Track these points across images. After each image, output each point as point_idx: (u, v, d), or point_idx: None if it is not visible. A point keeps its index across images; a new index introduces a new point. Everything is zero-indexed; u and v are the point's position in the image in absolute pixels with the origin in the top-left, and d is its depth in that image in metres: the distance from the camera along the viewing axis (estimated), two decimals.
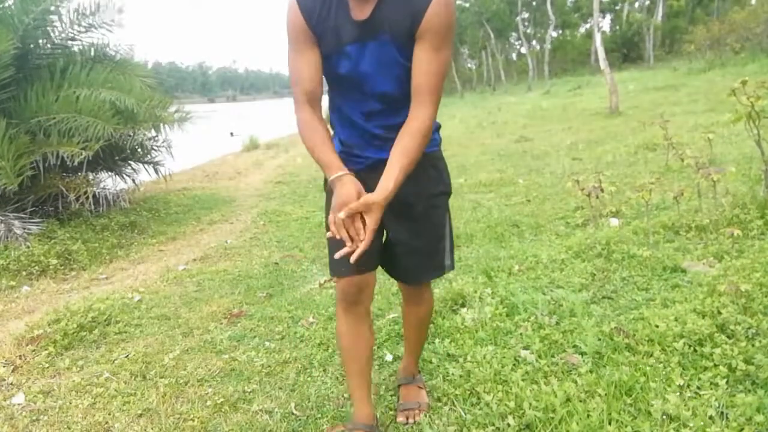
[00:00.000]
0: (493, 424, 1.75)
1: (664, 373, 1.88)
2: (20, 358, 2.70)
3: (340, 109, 1.55)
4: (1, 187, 4.95)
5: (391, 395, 2.05)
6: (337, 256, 1.27)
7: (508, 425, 1.73)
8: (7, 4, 5.81)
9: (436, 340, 2.38)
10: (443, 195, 1.68)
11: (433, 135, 1.48)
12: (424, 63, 1.34)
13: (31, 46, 6.07)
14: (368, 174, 1.46)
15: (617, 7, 38.75)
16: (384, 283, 3.11)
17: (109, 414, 2.13)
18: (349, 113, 1.52)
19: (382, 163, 1.39)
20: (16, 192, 5.15)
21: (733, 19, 18.70)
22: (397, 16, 1.33)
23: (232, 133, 19.72)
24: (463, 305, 2.70)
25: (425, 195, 1.61)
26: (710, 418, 1.61)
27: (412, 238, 1.64)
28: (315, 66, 1.43)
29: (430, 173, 1.60)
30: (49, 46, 6.42)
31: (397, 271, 1.74)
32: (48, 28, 6.22)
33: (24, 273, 4.46)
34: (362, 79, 1.43)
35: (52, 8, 5.99)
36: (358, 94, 1.47)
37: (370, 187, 1.34)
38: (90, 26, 6.45)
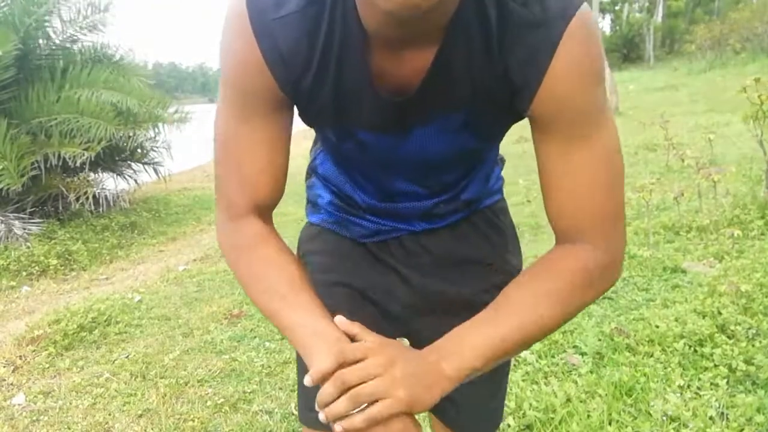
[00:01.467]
0: None
1: (664, 373, 1.88)
2: (20, 359, 2.70)
3: (334, 167, 0.86)
4: (5, 187, 4.95)
5: None
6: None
7: (509, 425, 1.73)
8: (7, 6, 5.81)
9: None
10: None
11: (494, 170, 0.90)
12: (567, 172, 0.65)
13: (32, 46, 6.08)
14: (382, 247, 0.88)
15: (617, 7, 38.76)
16: None
17: (109, 414, 2.13)
18: (361, 180, 0.83)
19: (414, 237, 0.86)
20: (16, 192, 5.15)
21: (734, 18, 18.70)
22: (481, 85, 0.63)
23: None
24: None
25: (482, 278, 0.88)
26: (710, 418, 1.61)
27: None
28: (277, 153, 0.72)
29: (491, 239, 0.90)
30: (50, 46, 6.43)
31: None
32: (49, 29, 6.23)
33: (24, 273, 4.46)
34: (391, 166, 0.77)
35: (53, 9, 6.00)
36: (380, 172, 0.79)
37: (387, 264, 0.86)
38: (91, 26, 6.46)
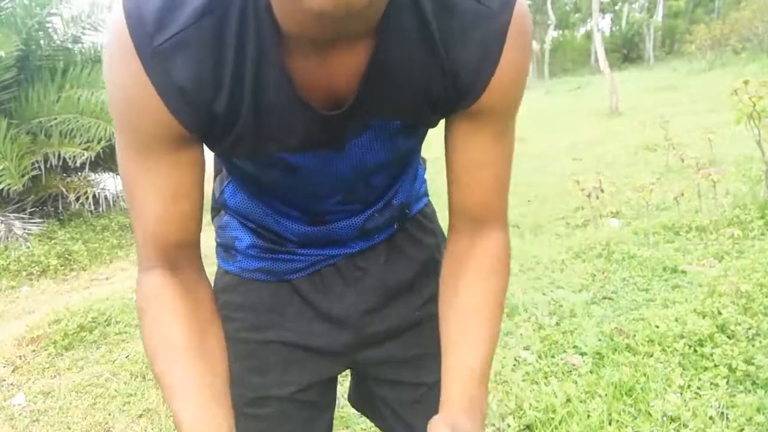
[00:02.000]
0: (494, 425, 1.75)
1: (664, 373, 1.88)
2: (20, 359, 2.70)
3: (252, 199, 0.76)
4: (6, 187, 4.95)
5: None
6: None
7: (508, 425, 1.73)
8: (10, 7, 5.82)
9: None
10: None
11: (419, 168, 0.86)
12: (487, 162, 0.66)
13: (33, 47, 6.09)
14: (313, 279, 0.80)
15: (617, 7, 38.78)
16: None
17: (109, 414, 2.13)
18: (273, 214, 0.75)
19: (350, 260, 0.79)
20: (17, 192, 5.16)
21: (734, 19, 18.70)
22: (416, 84, 0.59)
23: None
24: None
25: (421, 291, 0.85)
26: (710, 418, 1.61)
27: (406, 371, 0.86)
28: (182, 199, 0.61)
29: (425, 242, 0.86)
30: (50, 46, 6.44)
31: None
32: (50, 30, 6.23)
33: (24, 273, 4.46)
34: (323, 185, 0.69)
35: (55, 10, 6.01)
36: (309, 194, 0.71)
37: (317, 306, 0.79)
38: (93, 26, 6.47)
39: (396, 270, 0.82)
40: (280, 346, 0.79)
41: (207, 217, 0.86)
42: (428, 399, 0.83)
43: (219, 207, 0.82)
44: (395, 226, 0.82)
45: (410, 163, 0.78)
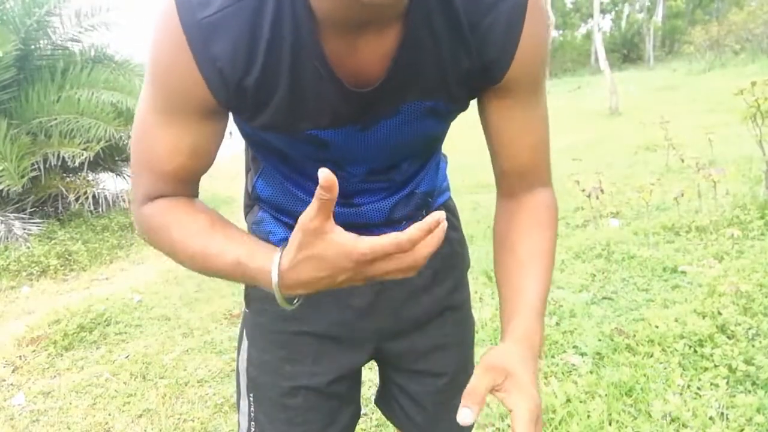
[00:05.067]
0: (493, 425, 1.75)
1: (664, 373, 1.88)
2: (20, 359, 2.70)
3: (283, 183, 0.78)
4: (5, 188, 4.95)
5: None
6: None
7: (508, 426, 1.73)
8: (9, 6, 5.82)
9: None
10: (463, 279, 0.95)
11: (441, 161, 0.89)
12: (527, 130, 0.70)
13: (32, 47, 6.09)
14: None
15: (617, 8, 38.78)
16: None
17: (109, 414, 2.13)
18: (305, 196, 0.77)
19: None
20: (17, 192, 5.16)
21: (732, 20, 18.70)
22: (452, 65, 0.63)
23: (231, 133, 19.67)
24: None
25: (443, 282, 0.88)
26: (710, 418, 1.61)
27: (429, 361, 0.89)
28: (197, 159, 0.66)
29: (448, 234, 0.75)
30: (49, 46, 6.44)
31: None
32: (49, 30, 6.23)
33: (24, 273, 4.46)
34: (353, 162, 0.72)
35: (54, 9, 6.01)
36: (339, 172, 0.70)
37: (345, 299, 0.81)
38: (92, 27, 6.48)
39: None
40: (311, 337, 0.82)
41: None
42: (450, 388, 0.89)
43: (252, 203, 0.86)
44: (421, 216, 0.84)
45: (434, 151, 0.82)
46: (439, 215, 0.51)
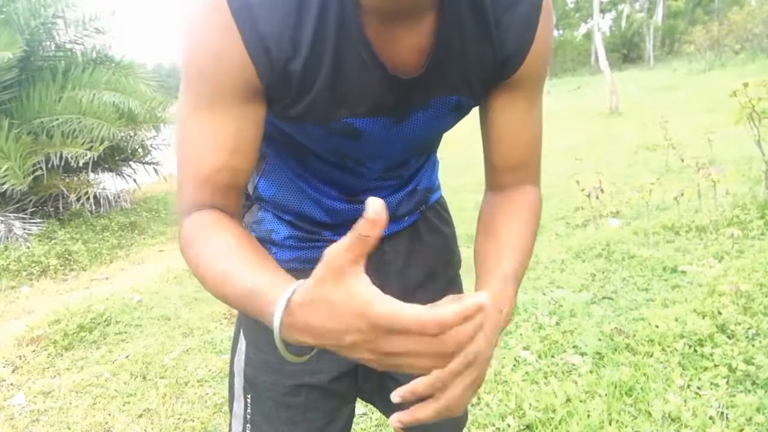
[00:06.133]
0: (494, 425, 1.75)
1: (664, 373, 1.88)
2: (20, 359, 2.70)
3: (293, 180, 0.79)
4: (10, 187, 4.95)
5: None
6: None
7: (509, 425, 1.73)
8: (14, 7, 5.82)
9: None
10: (456, 277, 0.98)
11: (436, 164, 0.92)
12: (525, 127, 0.72)
13: (35, 48, 6.10)
14: None
15: (617, 8, 38.77)
16: None
17: (109, 414, 2.13)
18: (314, 193, 0.79)
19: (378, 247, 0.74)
20: (19, 192, 5.16)
21: (732, 19, 18.70)
22: (476, 61, 0.65)
23: None
24: None
25: (438, 278, 0.92)
26: (710, 418, 1.61)
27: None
28: (240, 155, 0.64)
29: (443, 231, 0.94)
30: (52, 47, 6.45)
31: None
32: (53, 31, 6.24)
33: (24, 273, 4.46)
34: (361, 157, 0.74)
35: (60, 12, 6.01)
36: (356, 167, 0.76)
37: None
38: (95, 29, 6.49)
39: (417, 257, 0.87)
40: None
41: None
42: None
43: (250, 203, 0.86)
44: (420, 211, 0.88)
45: (436, 148, 0.85)
46: (482, 300, 0.43)
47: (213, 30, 0.57)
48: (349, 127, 0.66)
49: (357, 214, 0.73)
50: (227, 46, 0.57)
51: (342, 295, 0.42)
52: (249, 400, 0.85)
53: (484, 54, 0.64)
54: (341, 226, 0.81)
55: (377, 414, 1.89)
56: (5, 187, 4.92)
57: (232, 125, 0.62)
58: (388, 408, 0.96)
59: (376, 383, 0.97)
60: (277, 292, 0.48)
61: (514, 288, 0.65)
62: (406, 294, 0.84)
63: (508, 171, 0.75)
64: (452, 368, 0.47)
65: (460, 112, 0.71)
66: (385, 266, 0.85)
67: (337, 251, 0.42)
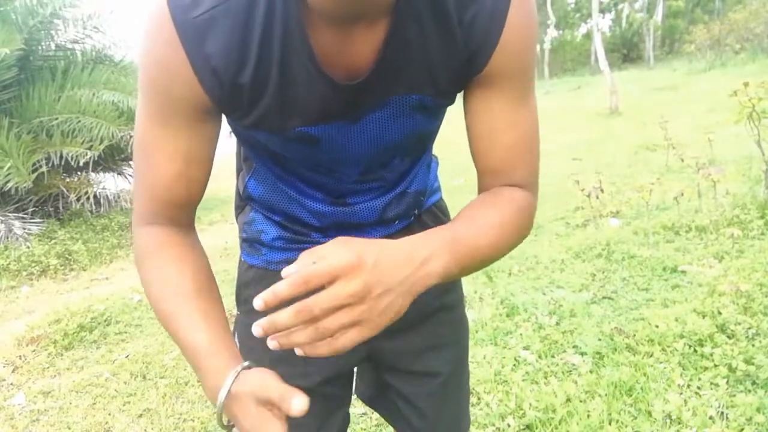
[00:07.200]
0: (493, 425, 1.75)
1: (664, 373, 1.88)
2: (20, 359, 2.70)
3: (276, 183, 0.78)
4: (14, 185, 4.94)
5: None
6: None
7: (509, 425, 1.73)
8: (12, 6, 5.82)
9: None
10: (458, 284, 0.95)
11: (432, 161, 0.89)
12: (506, 126, 0.68)
13: (34, 47, 6.10)
14: None
15: (617, 7, 38.77)
16: None
17: (109, 414, 2.13)
18: (297, 195, 0.77)
19: None
20: (20, 191, 5.16)
21: (733, 19, 18.69)
22: (440, 59, 0.63)
23: (231, 132, 19.68)
24: None
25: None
26: (710, 418, 1.61)
27: (422, 361, 0.89)
28: (195, 166, 0.66)
29: None
30: (52, 47, 6.45)
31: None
32: (52, 31, 6.24)
33: (24, 273, 4.46)
34: (343, 161, 0.72)
35: (59, 11, 6.01)
36: (330, 171, 0.73)
37: None
38: (94, 28, 6.49)
39: None
40: None
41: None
42: (445, 389, 0.89)
43: (243, 204, 0.85)
44: (413, 215, 0.85)
45: (425, 149, 0.81)
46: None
47: (162, 50, 0.57)
48: (304, 135, 0.65)
49: (343, 217, 0.78)
50: (174, 64, 0.57)
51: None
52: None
53: (447, 52, 0.62)
54: (329, 228, 0.79)
55: (377, 414, 1.88)
56: (9, 185, 4.92)
57: (185, 137, 0.62)
58: (389, 412, 0.96)
59: (374, 387, 0.97)
60: (221, 367, 0.57)
61: (452, 247, 0.60)
62: None
63: (491, 174, 0.71)
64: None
65: (428, 112, 0.68)
66: None
67: (268, 389, 0.55)
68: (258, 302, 0.50)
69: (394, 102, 0.65)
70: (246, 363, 0.58)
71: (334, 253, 0.51)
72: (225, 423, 0.58)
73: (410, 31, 0.60)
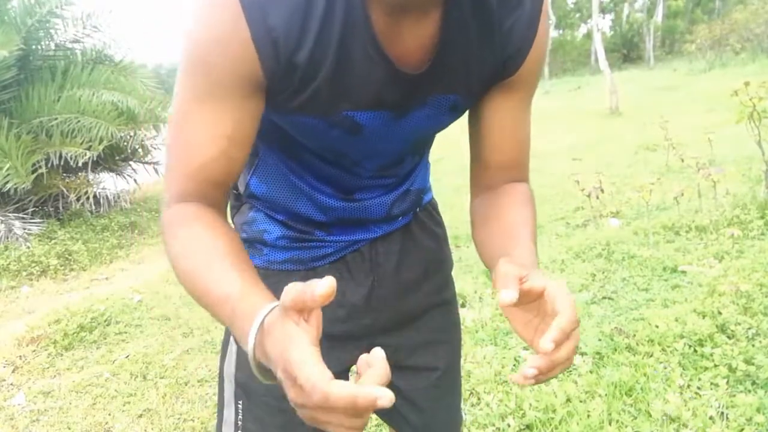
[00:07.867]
0: (494, 425, 1.75)
1: (664, 373, 1.88)
2: (20, 359, 2.70)
3: (287, 176, 0.77)
4: (13, 186, 4.94)
5: None
6: None
7: (509, 425, 1.73)
8: (10, 6, 5.82)
9: None
10: (449, 278, 0.97)
11: (427, 166, 0.91)
12: (519, 126, 0.73)
13: (33, 47, 6.09)
14: (339, 267, 0.82)
15: (617, 8, 38.77)
16: None
17: (109, 414, 2.13)
18: (308, 189, 0.77)
19: (372, 246, 0.83)
20: (21, 191, 5.16)
21: (734, 19, 18.69)
22: (477, 62, 0.65)
23: None
24: (463, 305, 2.70)
25: (431, 280, 0.92)
26: (710, 418, 1.61)
27: (421, 356, 0.91)
28: (236, 146, 0.64)
29: (435, 231, 0.93)
30: (51, 47, 6.45)
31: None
32: (51, 30, 6.24)
33: (24, 273, 4.46)
34: (357, 155, 0.73)
35: (57, 10, 6.01)
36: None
37: (341, 294, 0.72)
38: (93, 27, 6.49)
39: (410, 257, 0.87)
40: None
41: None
42: (442, 384, 0.90)
43: (240, 204, 0.85)
44: (414, 212, 0.88)
45: (429, 149, 0.85)
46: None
47: (221, 21, 0.56)
48: (349, 121, 0.65)
49: (351, 212, 0.79)
50: (233, 38, 0.56)
51: (285, 339, 0.44)
52: (240, 407, 0.83)
53: (486, 54, 0.65)
54: (334, 224, 0.80)
55: (376, 414, 1.88)
56: (8, 186, 4.92)
57: (231, 115, 0.61)
58: (390, 413, 0.95)
59: None
60: (255, 306, 0.49)
61: (531, 242, 0.66)
62: (400, 294, 0.86)
63: (501, 170, 0.75)
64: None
65: (455, 113, 0.71)
66: (378, 267, 0.84)
67: (294, 292, 0.44)
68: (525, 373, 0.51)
69: (434, 101, 0.67)
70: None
71: None
72: (262, 372, 0.49)
73: (457, 30, 0.61)
